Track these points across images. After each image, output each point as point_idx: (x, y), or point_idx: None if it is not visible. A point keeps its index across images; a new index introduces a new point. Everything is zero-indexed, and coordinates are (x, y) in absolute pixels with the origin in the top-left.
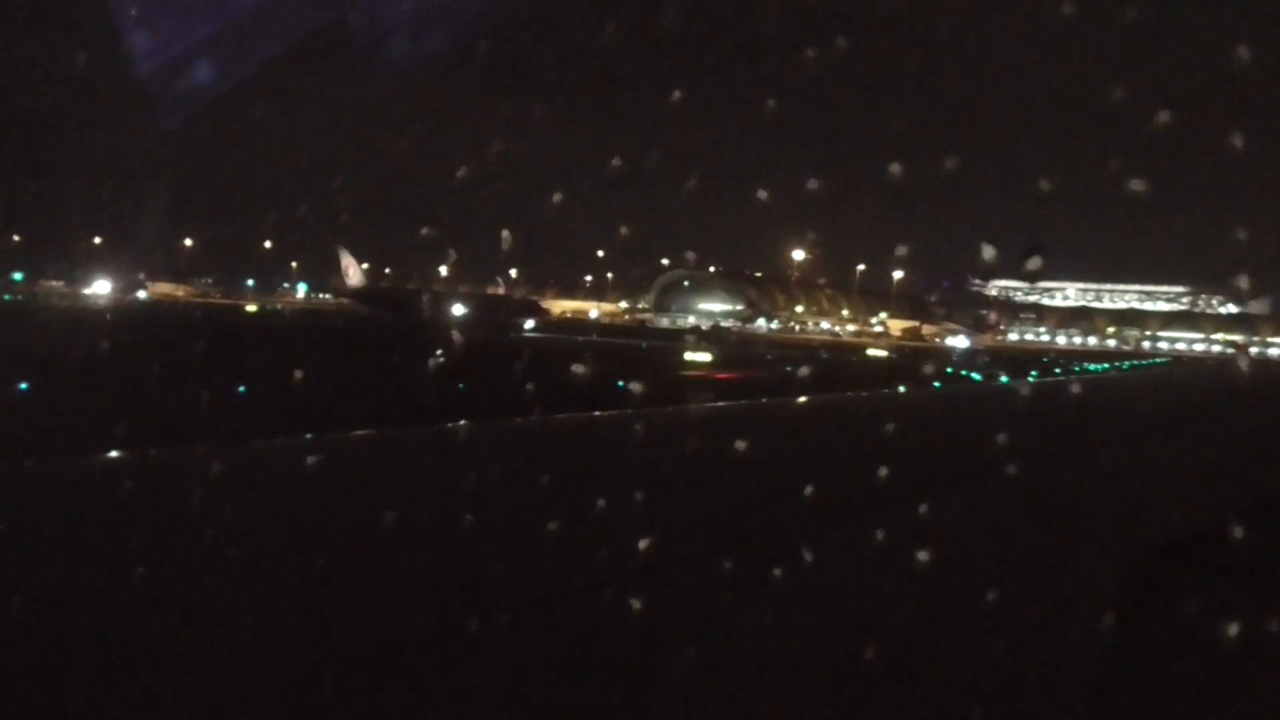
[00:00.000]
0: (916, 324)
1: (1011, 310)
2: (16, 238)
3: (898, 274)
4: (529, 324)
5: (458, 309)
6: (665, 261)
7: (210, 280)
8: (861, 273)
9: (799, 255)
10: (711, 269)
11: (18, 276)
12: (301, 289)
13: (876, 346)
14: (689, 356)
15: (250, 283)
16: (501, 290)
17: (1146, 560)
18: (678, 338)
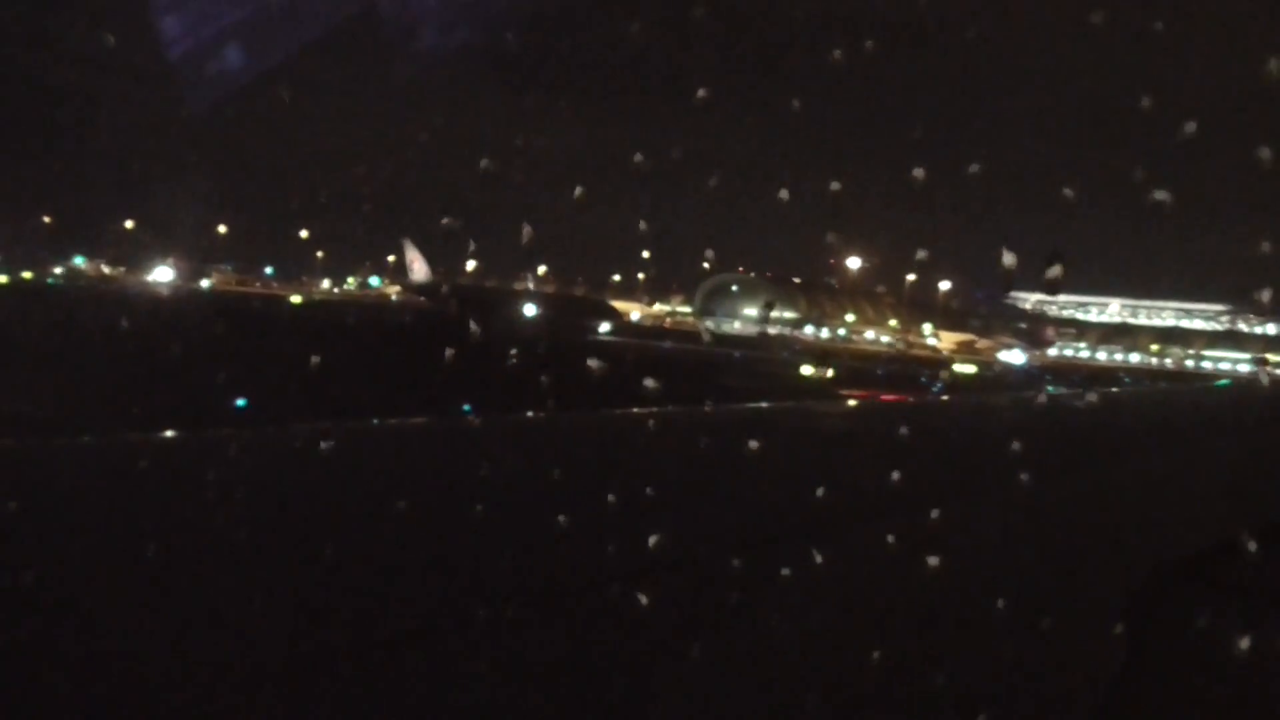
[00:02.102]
0: (971, 337)
1: (1050, 325)
2: (46, 219)
3: (944, 284)
4: (604, 327)
5: (529, 308)
6: (706, 265)
7: (228, 266)
8: (892, 282)
9: (854, 263)
10: (752, 274)
11: (79, 260)
12: (374, 281)
13: (963, 360)
14: (807, 371)
15: (269, 271)
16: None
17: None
18: (745, 345)
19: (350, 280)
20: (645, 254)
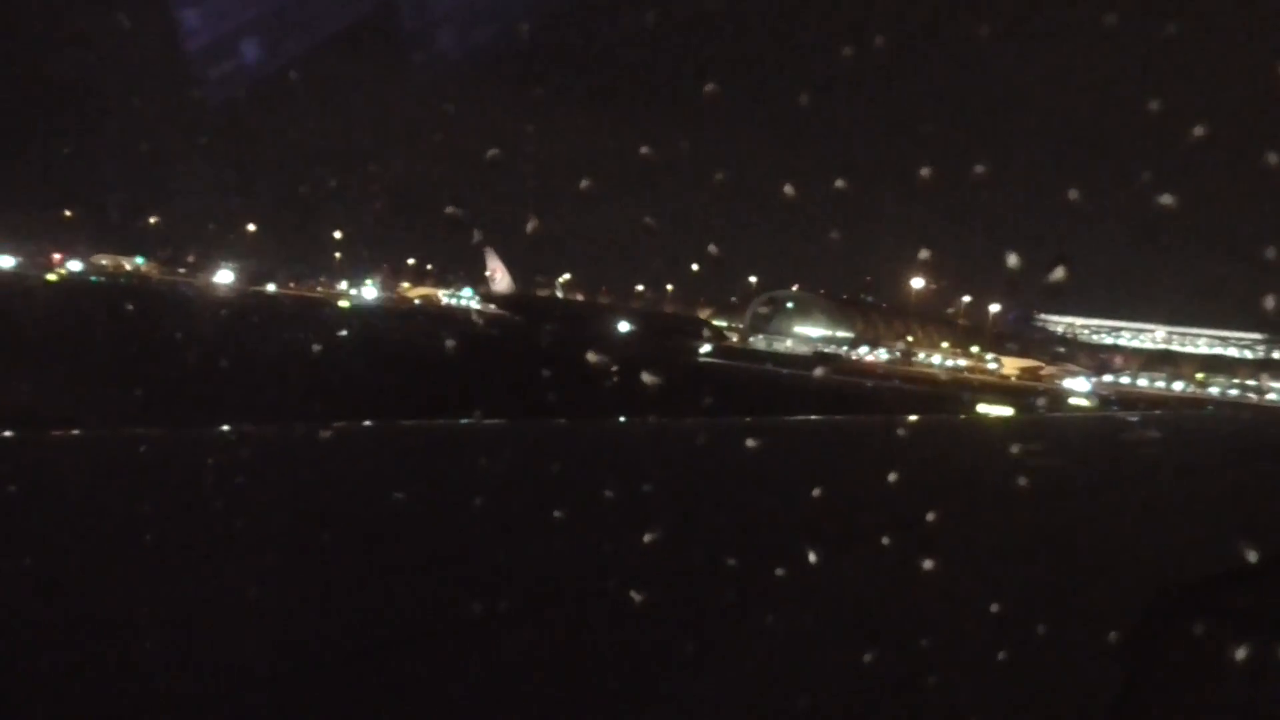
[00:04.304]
0: (1036, 363)
1: (1087, 350)
2: (68, 213)
3: (994, 307)
4: (705, 348)
5: (623, 325)
6: (753, 280)
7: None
8: (930, 301)
9: (892, 281)
10: (797, 289)
11: (139, 260)
12: (466, 293)
13: (1075, 392)
14: (984, 410)
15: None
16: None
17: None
18: (802, 364)
19: (369, 282)
20: (694, 266)
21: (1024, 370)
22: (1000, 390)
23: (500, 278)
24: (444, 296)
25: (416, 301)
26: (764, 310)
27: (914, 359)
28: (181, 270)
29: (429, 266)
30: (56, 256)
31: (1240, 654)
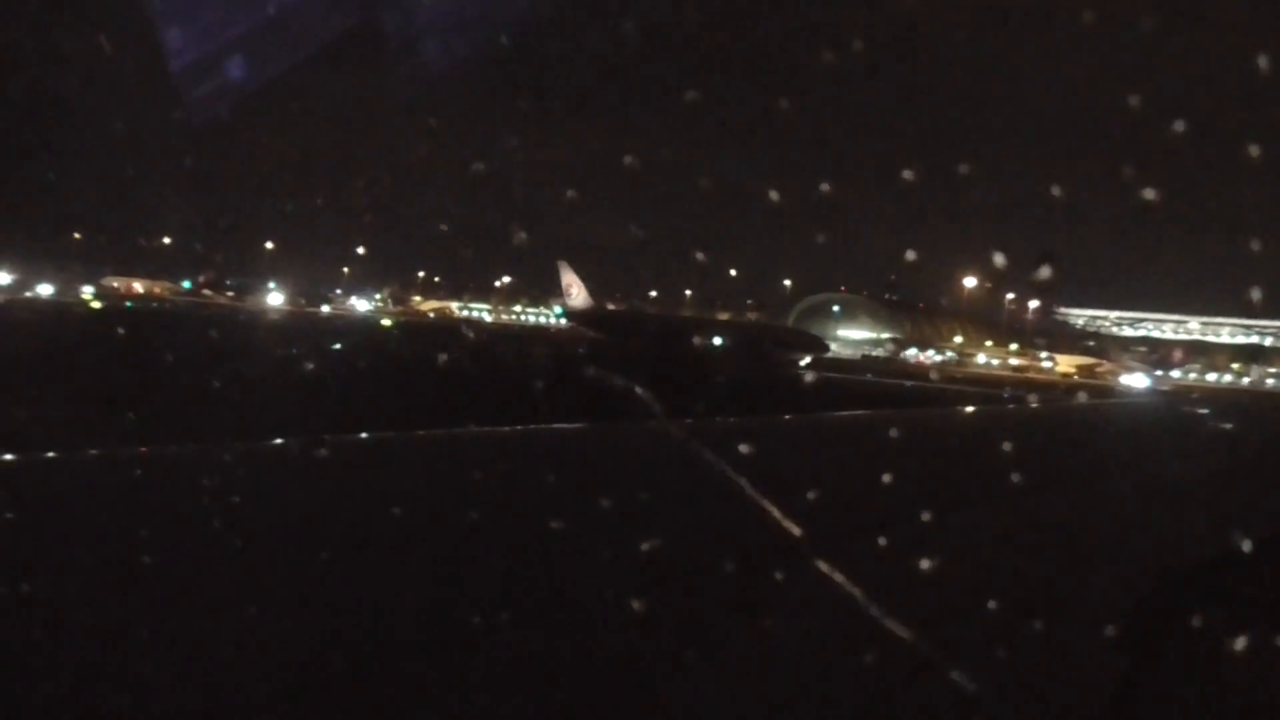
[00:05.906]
0: (1093, 360)
1: (1116, 344)
2: (77, 235)
3: (1033, 303)
4: (804, 360)
5: (715, 339)
6: (787, 283)
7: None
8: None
9: (970, 283)
10: (845, 292)
11: (186, 284)
12: (556, 311)
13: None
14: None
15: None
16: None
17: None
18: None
19: (378, 296)
20: (732, 271)
21: (1080, 368)
22: (1073, 390)
23: (576, 292)
24: (456, 308)
25: (430, 315)
26: (804, 314)
27: (968, 359)
28: (230, 294)
29: (436, 279)
30: (137, 287)
31: (1241, 642)
